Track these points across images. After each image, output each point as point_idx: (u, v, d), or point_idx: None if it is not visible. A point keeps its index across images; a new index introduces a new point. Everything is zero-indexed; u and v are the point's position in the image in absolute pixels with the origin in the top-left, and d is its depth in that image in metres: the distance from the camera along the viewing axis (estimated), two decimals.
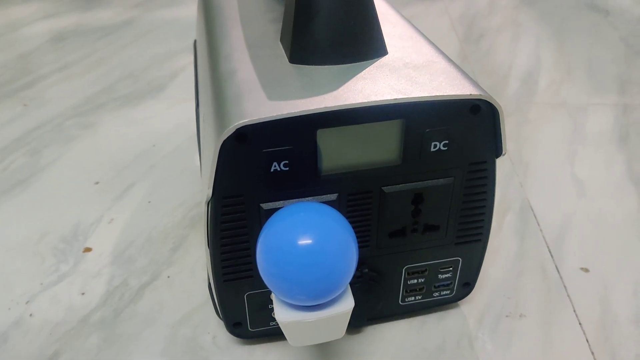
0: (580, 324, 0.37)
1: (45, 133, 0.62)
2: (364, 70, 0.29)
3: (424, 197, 0.30)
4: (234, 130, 0.25)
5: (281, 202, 0.28)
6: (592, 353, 0.34)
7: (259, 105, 0.26)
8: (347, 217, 0.30)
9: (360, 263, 0.32)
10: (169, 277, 0.41)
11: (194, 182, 0.51)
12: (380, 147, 0.28)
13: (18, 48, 0.82)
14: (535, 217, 0.46)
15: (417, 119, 0.28)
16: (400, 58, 0.31)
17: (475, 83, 0.29)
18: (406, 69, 0.30)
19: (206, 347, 0.35)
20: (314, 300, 0.26)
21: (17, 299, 0.40)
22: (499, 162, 0.31)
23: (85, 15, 0.94)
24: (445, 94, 0.27)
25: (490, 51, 0.79)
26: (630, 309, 0.38)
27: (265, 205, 0.28)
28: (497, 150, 0.30)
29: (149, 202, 0.49)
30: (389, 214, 0.31)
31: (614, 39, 0.82)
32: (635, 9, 0.91)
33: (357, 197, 0.30)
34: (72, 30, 0.88)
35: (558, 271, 0.41)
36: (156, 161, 0.56)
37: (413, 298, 0.35)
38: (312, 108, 0.26)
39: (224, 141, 0.25)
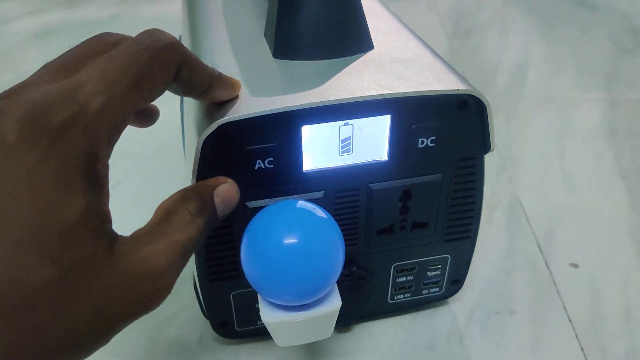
0: (570, 320, 0.36)
1: None
2: (349, 66, 0.29)
3: (412, 194, 0.30)
4: (215, 127, 0.24)
5: (266, 200, 0.28)
6: (582, 349, 0.34)
7: (242, 101, 0.25)
8: (334, 215, 0.29)
9: (349, 261, 0.32)
10: None
11: (181, 180, 0.50)
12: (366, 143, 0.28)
13: (1, 44, 0.81)
14: (525, 213, 0.46)
15: (403, 114, 0.27)
16: (387, 53, 0.30)
17: (462, 78, 0.28)
18: (392, 64, 0.29)
19: (192, 348, 0.35)
20: (300, 300, 0.25)
21: None
22: (487, 157, 0.30)
23: (70, 11, 0.92)
24: (432, 89, 0.27)
25: (478, 46, 0.79)
26: (620, 305, 0.38)
27: (250, 204, 0.28)
28: (486, 146, 0.30)
29: (136, 200, 0.48)
30: (377, 211, 0.30)
31: (602, 35, 0.82)
32: (622, 5, 0.92)
33: (343, 194, 0.29)
34: (57, 26, 0.87)
35: (548, 267, 0.41)
36: (143, 159, 0.55)
37: (402, 296, 0.35)
38: (297, 104, 0.25)
39: (205, 139, 0.25)
